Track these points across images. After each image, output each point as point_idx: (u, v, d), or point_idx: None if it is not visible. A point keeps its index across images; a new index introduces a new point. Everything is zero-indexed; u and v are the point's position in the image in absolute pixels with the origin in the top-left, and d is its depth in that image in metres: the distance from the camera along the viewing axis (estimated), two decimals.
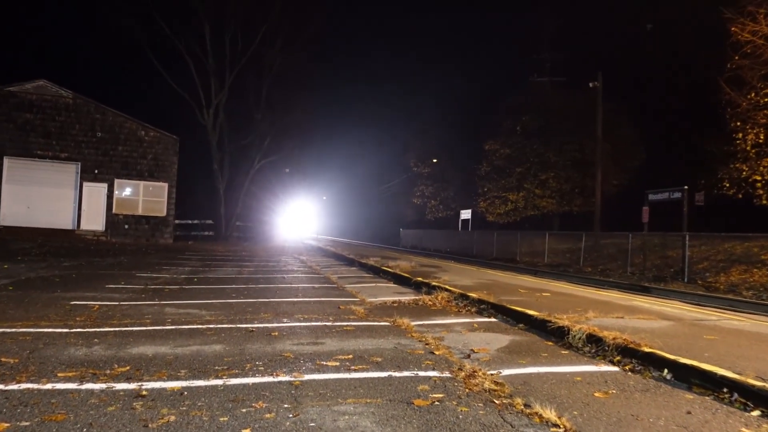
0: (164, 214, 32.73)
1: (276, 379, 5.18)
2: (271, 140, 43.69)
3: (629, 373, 5.76)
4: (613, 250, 26.90)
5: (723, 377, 5.07)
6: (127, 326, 7.63)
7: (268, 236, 48.34)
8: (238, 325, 7.85)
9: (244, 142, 43.07)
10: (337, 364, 5.79)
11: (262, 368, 5.55)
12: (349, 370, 5.54)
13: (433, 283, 12.50)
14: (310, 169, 63.14)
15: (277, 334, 7.29)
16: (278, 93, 43.41)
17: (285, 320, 8.40)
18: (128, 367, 5.49)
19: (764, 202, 23.25)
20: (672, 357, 5.71)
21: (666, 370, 5.63)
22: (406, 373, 5.48)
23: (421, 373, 5.49)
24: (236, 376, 5.27)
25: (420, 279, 13.72)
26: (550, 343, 7.13)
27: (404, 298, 11.19)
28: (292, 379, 5.21)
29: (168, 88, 38.42)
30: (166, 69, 37.45)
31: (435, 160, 58.53)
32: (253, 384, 5.04)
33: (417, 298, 11.16)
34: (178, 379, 5.15)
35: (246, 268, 18.65)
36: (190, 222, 41.05)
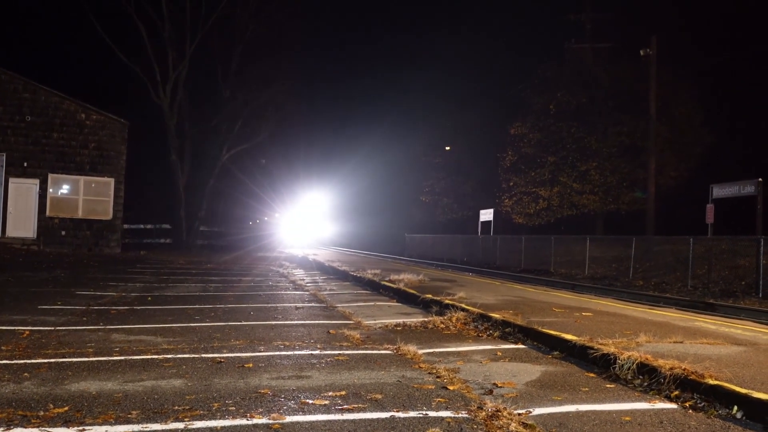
0: (110, 217, 32.76)
1: (250, 422, 5.20)
2: (244, 123, 43.66)
3: (690, 411, 5.78)
4: (671, 258, 26.93)
5: None
6: (65, 357, 7.66)
7: (243, 245, 48.36)
8: (203, 355, 7.88)
9: (210, 126, 43.04)
10: (327, 402, 5.81)
11: (233, 408, 5.57)
12: (341, 410, 5.56)
13: (446, 302, 12.53)
14: (298, 163, 63.46)
15: (251, 365, 7.32)
16: (252, 65, 43.42)
17: (261, 348, 8.42)
18: (67, 408, 5.50)
19: None
20: (743, 391, 5.73)
21: (736, 408, 5.64)
22: (412, 414, 5.50)
23: (432, 414, 5.51)
24: (201, 417, 5.29)
25: (429, 296, 13.75)
26: (592, 375, 7.16)
27: (410, 321, 11.22)
28: (271, 421, 5.22)
29: (114, 59, 38.43)
30: (111, 36, 37.44)
31: (448, 148, 58.59)
32: (222, 428, 5.05)
33: (426, 320, 11.18)
34: (128, 421, 5.16)
35: (212, 283, 18.70)
36: (142, 227, 41.05)
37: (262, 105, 43.88)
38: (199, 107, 43.02)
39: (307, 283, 19.76)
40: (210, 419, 5.24)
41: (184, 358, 7.69)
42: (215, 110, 43.21)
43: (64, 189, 32.16)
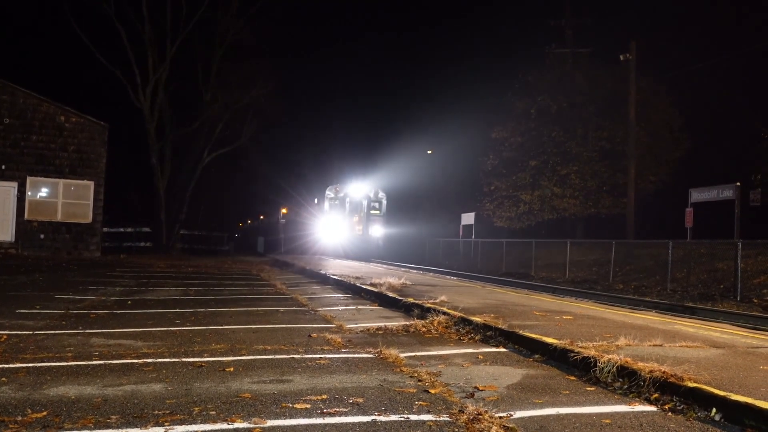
0: (90, 220, 32.58)
1: (231, 426, 5.18)
2: (225, 126, 43.58)
3: (669, 413, 5.81)
4: (650, 262, 27.11)
5: None
6: (44, 361, 7.59)
7: (226, 249, 48.25)
8: (184, 359, 7.83)
9: (191, 128, 42.91)
10: (308, 406, 5.80)
11: (213, 412, 5.55)
12: (322, 414, 5.55)
13: (428, 305, 12.53)
14: (284, 165, 62.46)
15: (232, 369, 7.29)
16: (233, 68, 43.33)
17: (242, 352, 8.39)
18: (45, 413, 5.46)
19: None
20: (722, 393, 5.77)
21: (714, 410, 5.69)
22: (394, 417, 5.50)
23: (413, 417, 5.51)
24: (181, 422, 5.26)
25: (411, 300, 13.74)
26: (573, 378, 7.18)
27: (391, 324, 11.21)
28: (252, 425, 5.20)
29: (94, 62, 38.29)
30: (90, 38, 37.30)
31: (430, 152, 58.69)
32: None
33: (407, 323, 11.17)
34: (107, 426, 5.13)
35: (193, 287, 18.60)
36: (122, 230, 40.88)
37: (243, 108, 43.82)
38: (180, 110, 42.97)
39: (289, 286, 19.70)
40: (190, 424, 5.21)
41: (164, 362, 7.65)
42: (196, 113, 43.13)
43: (43, 192, 31.95)
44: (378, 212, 45.04)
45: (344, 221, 43.67)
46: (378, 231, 44.85)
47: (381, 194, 45.51)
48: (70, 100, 33.64)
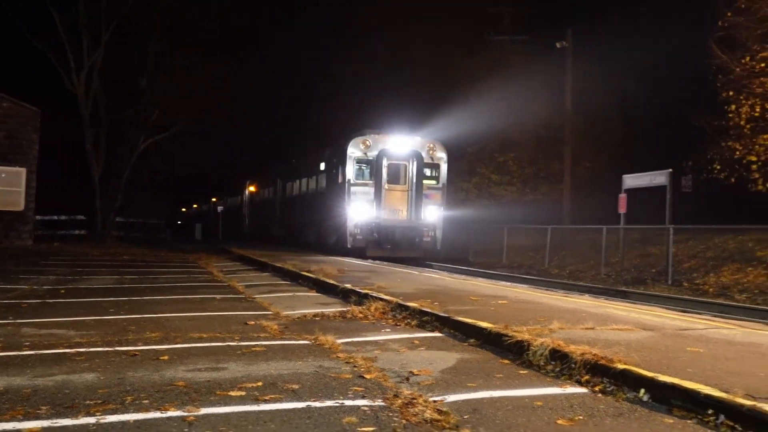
0: (22, 207, 31.76)
1: (164, 415, 5.13)
2: (162, 113, 42.84)
3: (599, 394, 5.95)
4: (585, 246, 27.61)
5: (707, 396, 5.29)
6: None
7: (163, 236, 47.61)
8: (117, 348, 7.72)
9: (127, 115, 42.13)
10: (243, 393, 5.78)
11: (146, 401, 5.49)
12: (257, 401, 5.54)
13: (365, 291, 12.56)
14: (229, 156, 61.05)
15: (167, 358, 7.21)
16: (170, 54, 42.56)
17: (177, 340, 8.31)
18: None
19: (760, 187, 24.08)
20: (650, 374, 5.91)
21: (643, 390, 5.83)
22: (329, 403, 5.52)
23: (348, 403, 5.54)
24: (113, 412, 5.19)
25: (348, 286, 13.75)
26: (507, 362, 7.29)
27: (328, 310, 11.22)
28: (185, 414, 5.16)
29: (26, 45, 37.25)
30: (22, 20, 36.25)
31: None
32: (135, 421, 4.97)
33: (344, 309, 11.20)
34: (37, 417, 5.04)
35: (129, 275, 18.33)
36: (55, 218, 40.00)
37: (180, 94, 43.06)
38: (116, 96, 42.02)
39: (226, 274, 19.56)
40: (123, 413, 5.15)
41: (97, 351, 7.53)
42: (132, 99, 42.30)
43: None
44: (435, 182, 28.35)
45: (377, 197, 27.94)
46: (434, 213, 27.99)
47: (440, 153, 28.71)
48: (1, 85, 32.73)
